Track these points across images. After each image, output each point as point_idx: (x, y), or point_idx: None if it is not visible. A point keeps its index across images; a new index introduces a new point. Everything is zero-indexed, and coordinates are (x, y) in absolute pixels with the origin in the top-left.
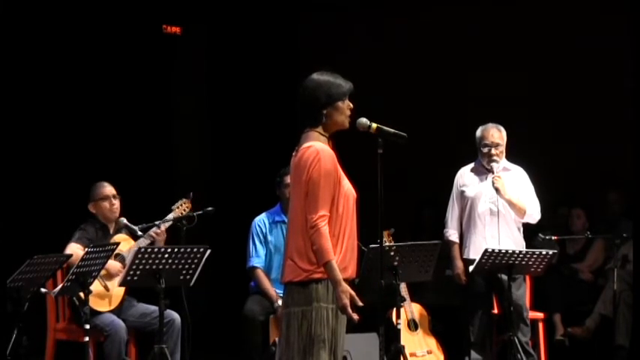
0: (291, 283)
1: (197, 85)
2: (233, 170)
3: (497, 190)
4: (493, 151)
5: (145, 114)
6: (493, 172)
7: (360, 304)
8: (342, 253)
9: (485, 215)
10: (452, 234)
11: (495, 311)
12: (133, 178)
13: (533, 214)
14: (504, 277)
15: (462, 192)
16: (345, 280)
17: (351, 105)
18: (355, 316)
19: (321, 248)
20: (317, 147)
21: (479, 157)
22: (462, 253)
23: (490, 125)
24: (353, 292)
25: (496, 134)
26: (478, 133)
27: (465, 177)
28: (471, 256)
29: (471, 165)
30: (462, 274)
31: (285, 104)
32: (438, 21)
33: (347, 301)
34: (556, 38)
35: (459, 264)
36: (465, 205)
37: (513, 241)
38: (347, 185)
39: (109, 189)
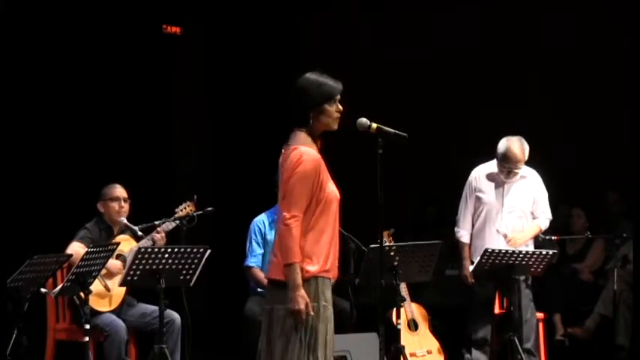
0: (274, 280)
1: (197, 85)
2: (233, 170)
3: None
4: (512, 172)
5: (145, 114)
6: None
7: (312, 313)
8: (323, 256)
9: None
10: (463, 235)
11: (496, 311)
12: (133, 178)
13: (545, 225)
14: (520, 277)
15: (479, 197)
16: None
17: (341, 107)
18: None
19: (288, 248)
20: (301, 150)
21: (497, 164)
22: (471, 254)
23: (514, 146)
24: (308, 299)
25: (520, 157)
26: (501, 149)
27: (482, 182)
28: None
29: (487, 169)
30: (469, 276)
31: (285, 104)
32: (437, 21)
33: (303, 307)
34: (556, 39)
35: (468, 265)
36: (479, 209)
37: (527, 246)
38: (330, 187)
39: (120, 191)
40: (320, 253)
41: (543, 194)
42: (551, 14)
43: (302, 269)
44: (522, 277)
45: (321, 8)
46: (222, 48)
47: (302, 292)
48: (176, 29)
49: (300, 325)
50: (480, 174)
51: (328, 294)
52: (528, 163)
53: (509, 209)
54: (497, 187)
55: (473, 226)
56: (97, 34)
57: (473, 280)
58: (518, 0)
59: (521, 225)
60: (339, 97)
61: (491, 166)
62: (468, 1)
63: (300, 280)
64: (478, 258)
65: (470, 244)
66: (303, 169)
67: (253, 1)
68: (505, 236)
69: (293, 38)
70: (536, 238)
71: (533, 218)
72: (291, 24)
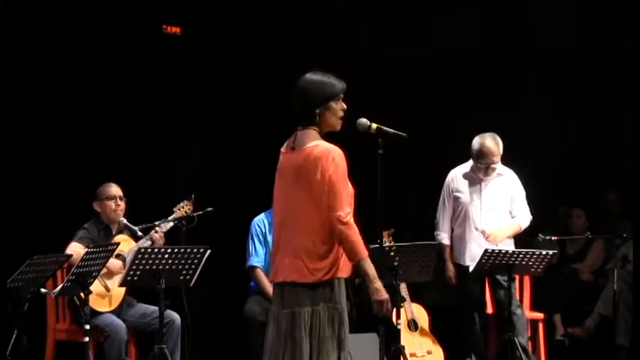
0: (295, 283)
1: (197, 85)
2: (233, 170)
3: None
4: (490, 168)
5: (145, 114)
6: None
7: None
8: (342, 252)
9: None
10: (444, 237)
11: (489, 311)
12: (133, 178)
13: (526, 224)
14: (498, 276)
15: (457, 197)
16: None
17: (345, 106)
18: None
19: (355, 245)
20: (327, 146)
21: (472, 164)
22: (453, 257)
23: (488, 141)
24: None
25: (495, 151)
26: (475, 146)
27: (459, 182)
28: (467, 263)
29: (463, 169)
30: (453, 278)
31: (285, 104)
32: (437, 21)
33: (387, 295)
34: (556, 39)
35: (451, 267)
36: (458, 210)
37: (508, 244)
38: (349, 184)
39: (115, 189)
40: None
41: (521, 192)
42: (551, 14)
43: (329, 269)
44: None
45: (321, 8)
46: (222, 48)
47: (380, 284)
48: (176, 29)
49: (386, 314)
50: (457, 174)
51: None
52: (529, 161)
53: (488, 206)
54: (474, 186)
55: (452, 228)
56: (97, 34)
57: (455, 282)
58: (518, 0)
59: (501, 223)
60: (342, 95)
61: (468, 166)
62: (468, 1)
63: (375, 272)
64: (470, 263)
65: (451, 246)
66: (338, 164)
67: (253, 1)
68: (484, 233)
69: (293, 38)
70: (536, 239)
71: (512, 218)
72: (291, 24)
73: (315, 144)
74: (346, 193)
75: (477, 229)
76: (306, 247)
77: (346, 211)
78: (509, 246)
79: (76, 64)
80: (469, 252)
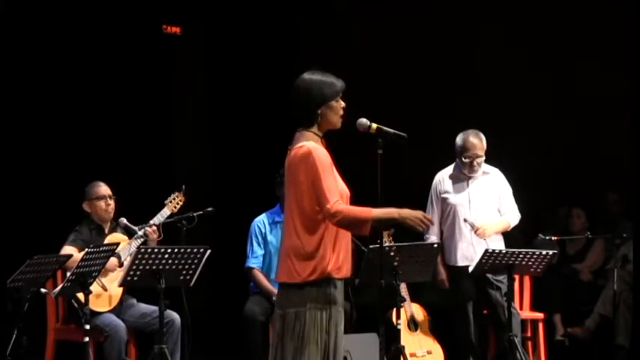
0: (286, 284)
1: (197, 85)
2: (233, 170)
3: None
4: (475, 163)
5: (145, 114)
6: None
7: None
8: (335, 253)
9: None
10: (433, 240)
11: (485, 312)
12: (133, 178)
13: (515, 222)
14: (489, 275)
15: (445, 199)
16: (340, 279)
17: (344, 104)
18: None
19: (357, 221)
20: (309, 145)
21: (457, 163)
22: (444, 259)
23: (471, 135)
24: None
25: (478, 145)
26: (459, 142)
27: (446, 183)
28: (459, 263)
29: (449, 170)
30: (445, 281)
31: (285, 104)
32: (438, 22)
33: (418, 212)
34: (556, 38)
35: (442, 270)
36: (447, 211)
37: (497, 242)
38: (341, 184)
39: (104, 189)
40: (333, 251)
41: (508, 190)
42: (551, 14)
43: (315, 269)
44: (499, 277)
45: (321, 8)
46: (222, 48)
47: (403, 210)
48: (176, 29)
49: (425, 226)
50: (444, 176)
51: (340, 297)
52: (529, 161)
53: (476, 205)
54: (461, 185)
55: (442, 230)
56: (97, 34)
57: (448, 286)
58: (518, 0)
59: (490, 220)
60: (341, 93)
61: (452, 168)
62: (468, 2)
63: (391, 209)
64: (462, 263)
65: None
66: (318, 161)
67: (253, 1)
68: (473, 225)
69: (293, 38)
70: (536, 239)
71: (501, 216)
72: (291, 24)
73: (301, 145)
74: (330, 185)
75: (465, 220)
76: (294, 247)
77: (333, 201)
78: (498, 242)
79: (76, 64)
80: (461, 251)
